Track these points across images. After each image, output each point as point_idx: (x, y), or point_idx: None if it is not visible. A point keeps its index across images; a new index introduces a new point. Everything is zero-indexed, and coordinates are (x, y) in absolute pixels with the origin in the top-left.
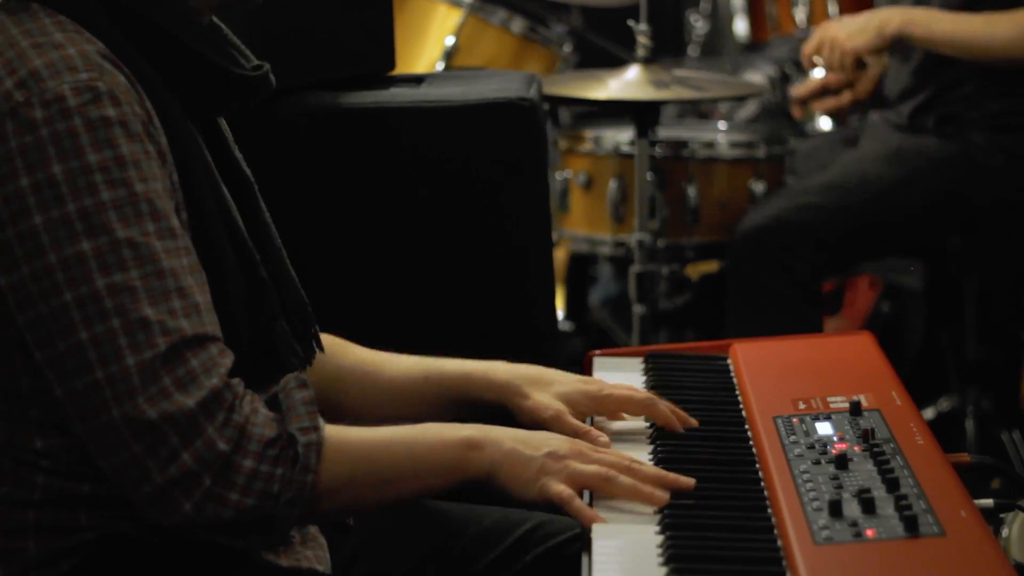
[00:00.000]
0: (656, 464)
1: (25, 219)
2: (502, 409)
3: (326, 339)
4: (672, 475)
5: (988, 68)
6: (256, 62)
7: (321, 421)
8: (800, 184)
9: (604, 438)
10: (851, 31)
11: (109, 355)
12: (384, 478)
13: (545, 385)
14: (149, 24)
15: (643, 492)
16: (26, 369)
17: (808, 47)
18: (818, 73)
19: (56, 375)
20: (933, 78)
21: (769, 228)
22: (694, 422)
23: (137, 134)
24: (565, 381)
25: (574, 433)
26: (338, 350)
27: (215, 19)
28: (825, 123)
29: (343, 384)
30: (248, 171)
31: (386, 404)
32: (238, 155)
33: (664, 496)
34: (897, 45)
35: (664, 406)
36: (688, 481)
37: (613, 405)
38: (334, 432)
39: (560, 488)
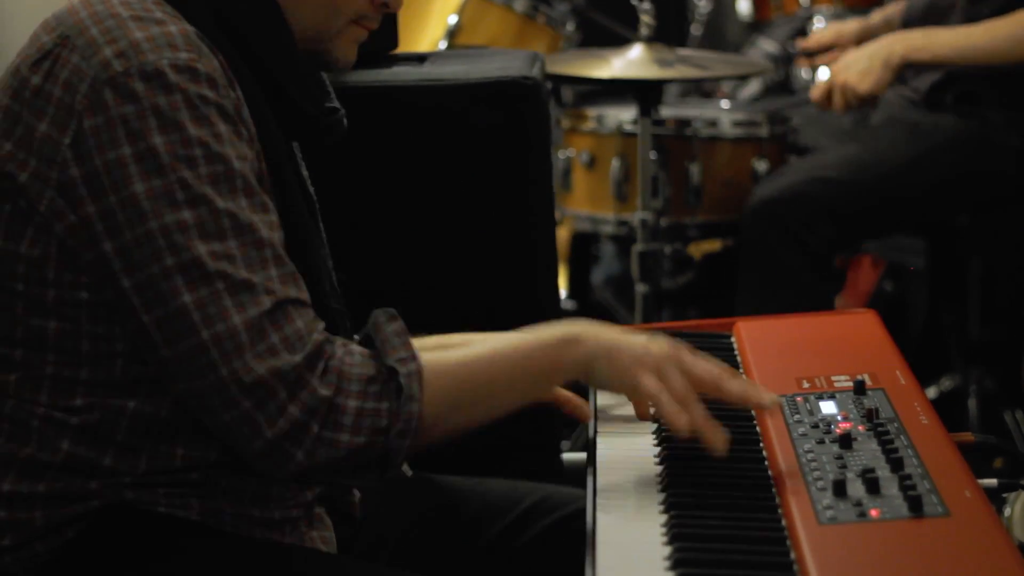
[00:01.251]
0: (659, 444)
1: (127, 186)
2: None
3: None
4: (758, 391)
5: None
6: (334, 104)
7: (417, 350)
8: (814, 158)
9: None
10: (860, 73)
11: (215, 315)
12: (486, 395)
13: None
14: (244, 39)
15: (751, 394)
16: (91, 333)
17: (817, 94)
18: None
19: (164, 338)
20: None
21: (783, 200)
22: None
23: (231, 116)
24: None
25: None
26: None
27: None
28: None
29: None
30: (312, 191)
31: None
32: (305, 173)
33: (774, 397)
34: (915, 20)
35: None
36: (773, 397)
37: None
38: (432, 359)
39: (652, 382)
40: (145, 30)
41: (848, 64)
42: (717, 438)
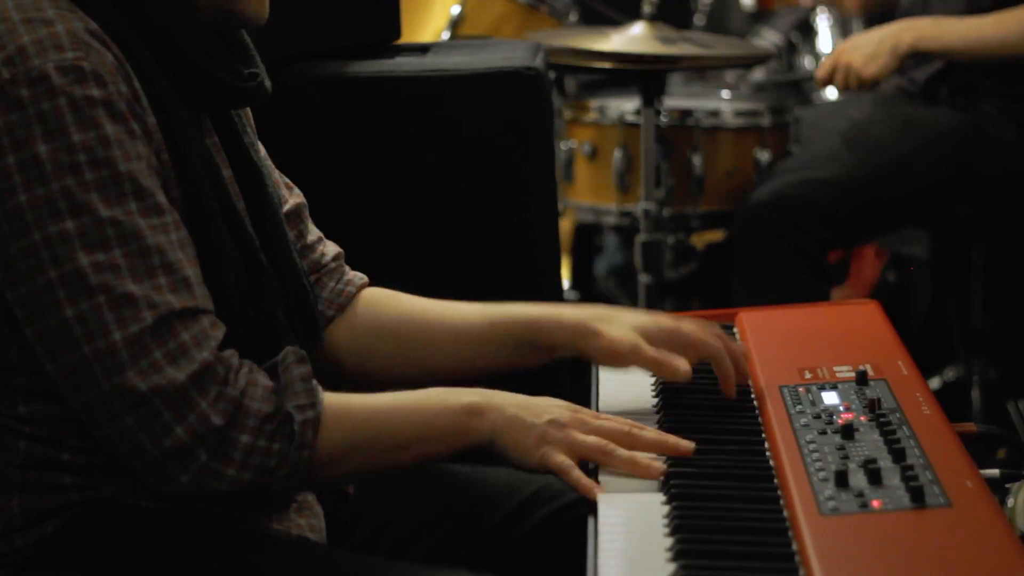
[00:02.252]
0: None
1: (11, 197)
2: (572, 352)
3: (374, 291)
4: (672, 439)
5: None
6: (254, 68)
7: (320, 395)
8: (806, 156)
9: (685, 365)
10: (865, 57)
11: (95, 331)
12: (385, 446)
13: (617, 321)
14: (145, 17)
15: (640, 466)
16: (14, 340)
17: (822, 71)
18: (831, 93)
19: (45, 351)
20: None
21: (775, 204)
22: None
23: (121, 114)
24: (636, 315)
25: (654, 363)
26: (387, 300)
27: None
28: (831, 92)
29: (393, 337)
30: (258, 157)
31: (451, 354)
32: (249, 140)
33: (660, 468)
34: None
35: (729, 365)
36: (688, 445)
37: (686, 342)
38: (335, 401)
39: (561, 459)
40: (32, 32)
41: (856, 46)
42: (652, 470)
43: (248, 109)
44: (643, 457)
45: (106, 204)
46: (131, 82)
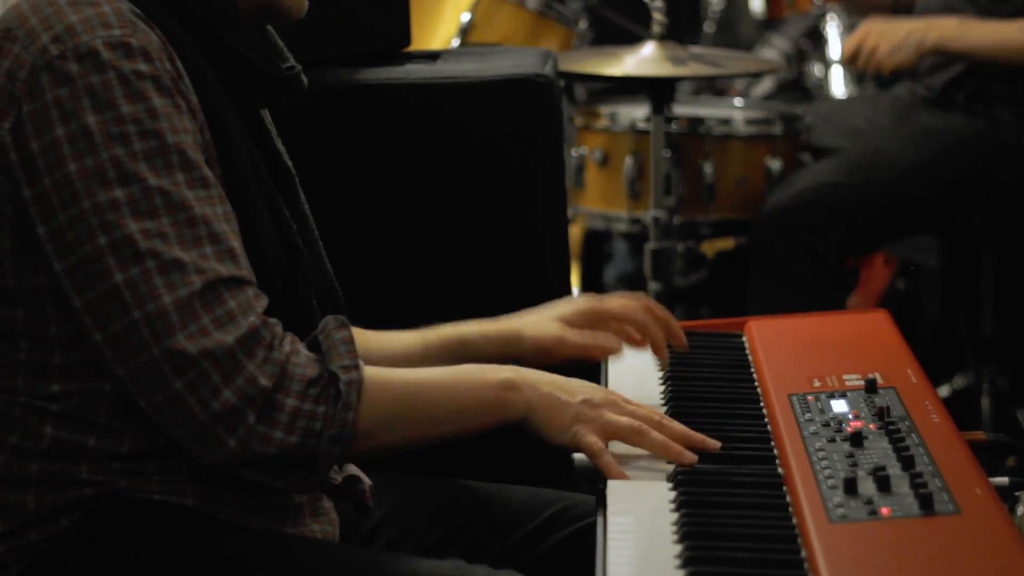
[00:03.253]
0: None
1: (60, 167)
2: (509, 361)
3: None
4: (699, 436)
5: None
6: (291, 63)
7: (361, 361)
8: (823, 163)
9: (612, 341)
10: (891, 48)
11: (145, 295)
12: (424, 418)
13: (538, 318)
14: (186, 8)
15: (673, 449)
16: (54, 316)
17: (847, 47)
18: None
19: (95, 320)
20: None
21: (793, 208)
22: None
23: (168, 88)
24: (556, 306)
25: (582, 349)
26: None
27: None
28: (839, 90)
29: None
30: (289, 162)
31: None
32: (280, 147)
33: (692, 457)
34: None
35: (658, 331)
36: (714, 443)
37: (612, 321)
38: (375, 372)
39: (592, 439)
40: (79, 13)
41: (883, 33)
42: (685, 456)
43: (271, 121)
44: (675, 443)
45: (154, 174)
46: (174, 62)
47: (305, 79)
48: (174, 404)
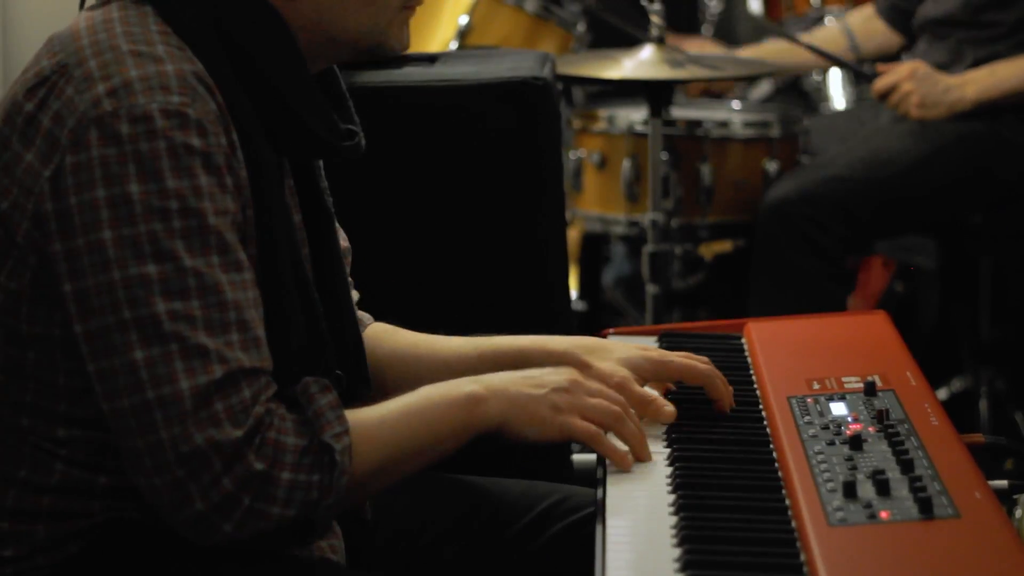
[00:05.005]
0: (669, 446)
1: (96, 231)
2: None
3: (376, 327)
4: (659, 401)
5: (1021, 49)
6: (352, 125)
7: (348, 421)
8: (827, 157)
9: (670, 407)
10: (926, 105)
11: (163, 377)
12: (409, 455)
13: (605, 353)
14: (253, 65)
15: (643, 446)
16: (65, 368)
17: (881, 84)
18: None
19: (105, 390)
20: (969, 53)
21: (797, 201)
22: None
23: (217, 167)
24: (625, 348)
25: (641, 400)
26: (387, 336)
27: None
28: (839, 102)
29: (392, 370)
30: (329, 202)
31: None
32: (323, 184)
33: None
34: (929, 26)
35: (722, 382)
36: (670, 411)
37: (675, 372)
38: (357, 424)
39: (584, 425)
40: (141, 68)
41: (923, 79)
42: (647, 454)
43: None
44: (644, 437)
45: (190, 254)
46: (230, 133)
47: (363, 143)
48: (174, 491)
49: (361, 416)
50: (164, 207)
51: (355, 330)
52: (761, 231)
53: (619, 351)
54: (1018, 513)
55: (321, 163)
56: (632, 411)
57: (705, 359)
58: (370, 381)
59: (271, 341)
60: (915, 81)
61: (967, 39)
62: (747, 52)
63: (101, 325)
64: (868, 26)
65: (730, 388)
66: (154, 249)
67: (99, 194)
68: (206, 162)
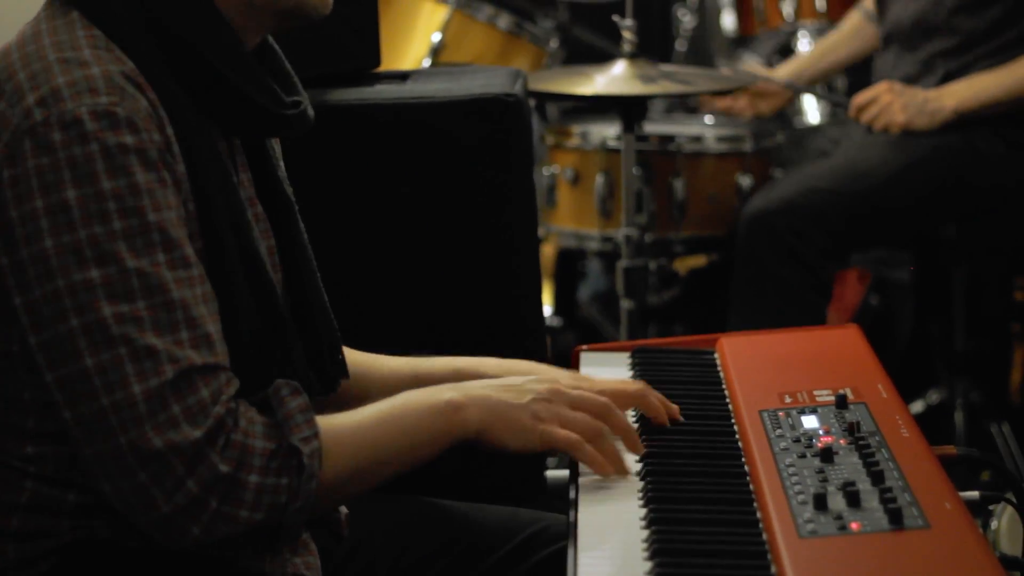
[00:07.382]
0: (640, 460)
1: (37, 241)
2: None
3: None
4: (635, 438)
5: (994, 58)
6: (297, 96)
7: (318, 424)
8: (806, 169)
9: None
10: (907, 111)
11: (115, 382)
12: (382, 460)
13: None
14: (189, 49)
15: (620, 464)
16: (28, 383)
17: (860, 98)
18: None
19: (64, 398)
20: (940, 66)
21: (778, 212)
22: (678, 416)
23: (153, 162)
24: (557, 374)
25: (624, 431)
26: None
27: (270, 39)
28: (813, 117)
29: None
30: (289, 191)
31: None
32: (281, 174)
33: (626, 470)
34: (902, 34)
35: (655, 398)
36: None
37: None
38: (329, 428)
39: (564, 434)
40: (68, 74)
41: (904, 96)
42: (625, 471)
43: (279, 141)
44: (617, 458)
45: (133, 254)
46: (164, 129)
47: (311, 112)
48: (138, 495)
49: (335, 421)
50: (102, 209)
51: (326, 316)
52: (742, 242)
53: (554, 375)
54: (993, 524)
55: (279, 150)
56: (613, 413)
57: (636, 381)
58: (344, 368)
59: (225, 332)
60: (893, 93)
61: (938, 51)
62: (784, 70)
63: (52, 335)
64: None
65: (672, 405)
66: (96, 253)
67: (38, 204)
68: (142, 159)
